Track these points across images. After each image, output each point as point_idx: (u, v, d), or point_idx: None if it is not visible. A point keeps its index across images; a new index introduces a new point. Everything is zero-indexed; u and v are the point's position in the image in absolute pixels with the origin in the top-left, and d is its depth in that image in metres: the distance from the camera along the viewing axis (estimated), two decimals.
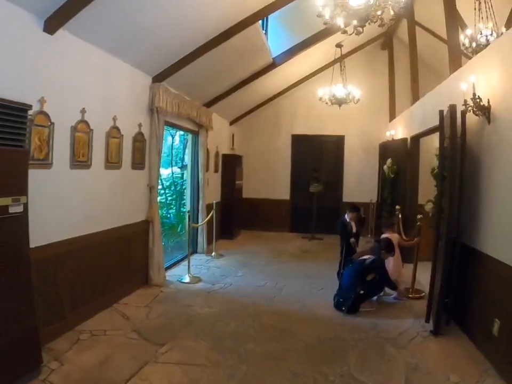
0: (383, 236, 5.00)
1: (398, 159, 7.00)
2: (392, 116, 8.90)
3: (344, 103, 7.37)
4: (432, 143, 7.23)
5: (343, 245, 5.48)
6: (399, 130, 7.60)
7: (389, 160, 7.23)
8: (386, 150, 7.64)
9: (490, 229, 3.34)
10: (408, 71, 9.37)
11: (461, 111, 3.52)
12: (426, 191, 7.75)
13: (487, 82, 3.39)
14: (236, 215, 8.80)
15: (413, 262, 4.93)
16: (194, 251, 6.94)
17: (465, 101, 3.50)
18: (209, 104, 7.09)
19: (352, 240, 5.18)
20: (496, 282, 3.11)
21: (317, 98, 8.73)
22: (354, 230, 5.45)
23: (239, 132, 9.80)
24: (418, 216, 4.96)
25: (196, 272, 5.65)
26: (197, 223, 6.93)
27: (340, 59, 7.81)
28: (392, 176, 7.14)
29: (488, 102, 3.33)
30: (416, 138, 6.62)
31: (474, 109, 3.41)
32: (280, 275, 5.70)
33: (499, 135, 3.23)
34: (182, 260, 6.39)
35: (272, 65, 6.88)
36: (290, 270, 6.05)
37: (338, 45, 7.58)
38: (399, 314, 4.24)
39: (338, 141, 9.71)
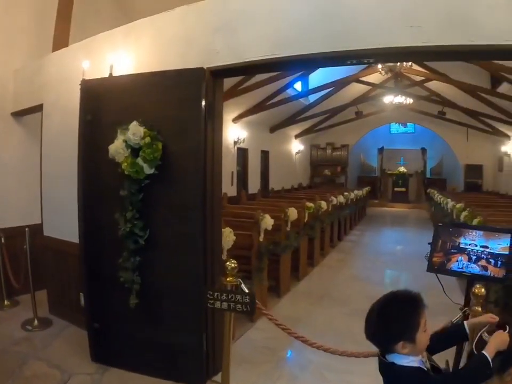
0: None
1: (171, 127, 2.90)
2: (63, 39, 4.18)
3: None
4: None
5: None
6: (123, 57, 3.31)
7: (137, 128, 2.88)
8: (113, 102, 3.09)
9: None
10: None
11: None
12: None
13: None
14: None
15: None
16: None
17: None
18: None
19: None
20: None
21: None
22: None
23: None
24: None
25: None
26: None
27: None
28: (148, 172, 2.91)
29: None
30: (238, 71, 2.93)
31: None
32: None
33: None
34: None
35: None
36: None
37: None
38: None
39: None
